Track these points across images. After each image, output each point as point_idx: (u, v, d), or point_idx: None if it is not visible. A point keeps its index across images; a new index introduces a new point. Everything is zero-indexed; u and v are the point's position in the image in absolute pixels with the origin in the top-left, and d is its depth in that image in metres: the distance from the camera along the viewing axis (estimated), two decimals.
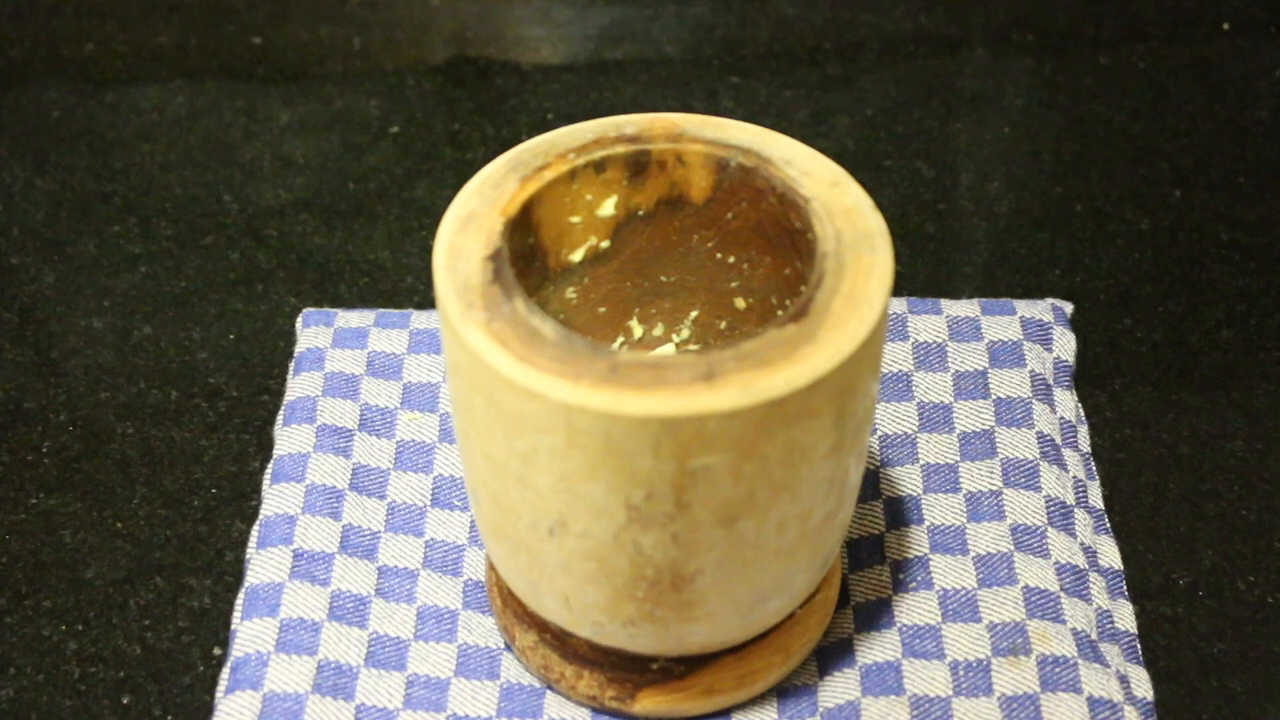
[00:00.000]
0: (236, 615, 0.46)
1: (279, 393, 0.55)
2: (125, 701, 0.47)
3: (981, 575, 0.47)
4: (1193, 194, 0.64)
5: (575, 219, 0.43)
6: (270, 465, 0.51)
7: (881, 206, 0.41)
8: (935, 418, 0.52)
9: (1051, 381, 0.53)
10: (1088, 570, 0.48)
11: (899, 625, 0.46)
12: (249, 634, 0.45)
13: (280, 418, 0.52)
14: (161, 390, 0.56)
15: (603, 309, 0.46)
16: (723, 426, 0.36)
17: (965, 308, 0.55)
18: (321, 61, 0.71)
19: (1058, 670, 0.44)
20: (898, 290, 0.58)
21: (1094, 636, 0.46)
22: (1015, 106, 0.69)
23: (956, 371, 0.53)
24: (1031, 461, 0.50)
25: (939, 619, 0.46)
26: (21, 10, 0.73)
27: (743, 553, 0.39)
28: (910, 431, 0.51)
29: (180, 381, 0.56)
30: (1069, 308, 0.56)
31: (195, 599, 0.49)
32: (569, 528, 0.39)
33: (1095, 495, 0.51)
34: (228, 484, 0.53)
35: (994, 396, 0.52)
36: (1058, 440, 0.51)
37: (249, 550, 0.49)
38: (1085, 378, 0.56)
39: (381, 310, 0.56)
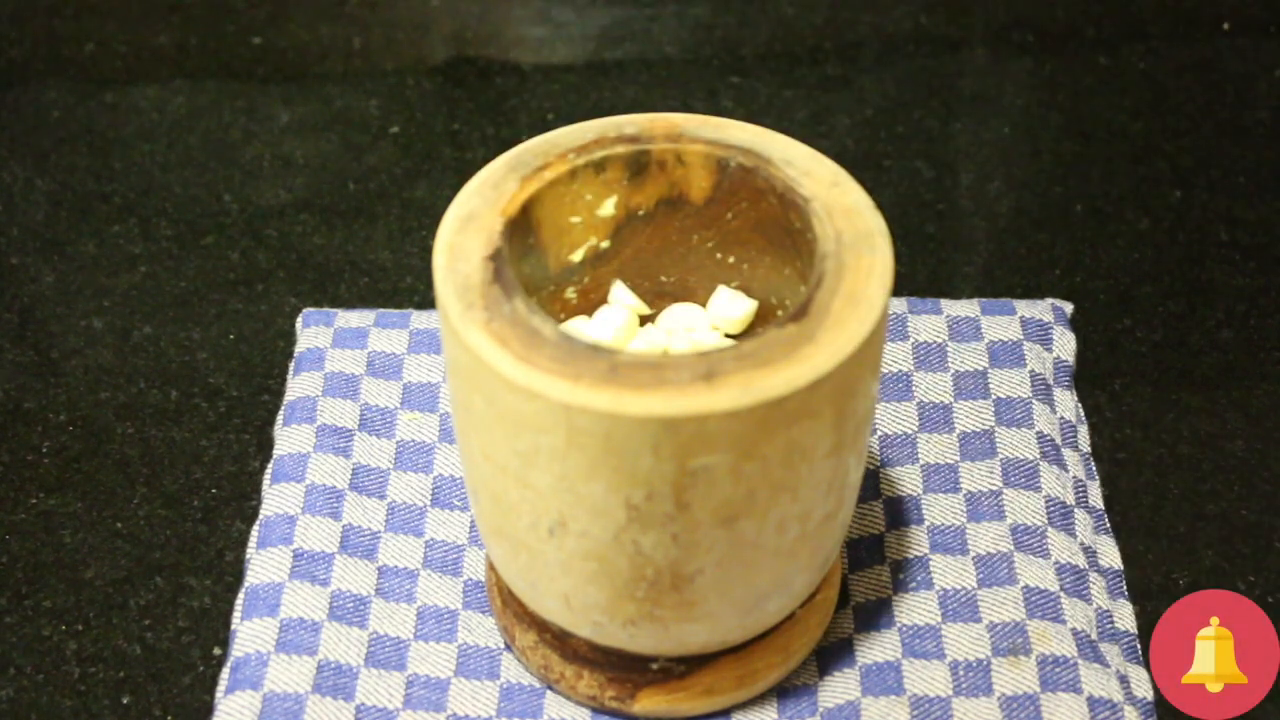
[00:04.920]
0: (236, 615, 0.46)
1: (279, 393, 0.55)
2: (125, 701, 0.47)
3: (981, 575, 0.47)
4: (1193, 194, 0.64)
5: (575, 219, 0.43)
6: (270, 465, 0.51)
7: (881, 206, 0.41)
8: (935, 418, 0.52)
9: (1051, 381, 0.53)
10: (1088, 570, 0.48)
11: (899, 625, 0.46)
12: (249, 634, 0.45)
13: (280, 418, 0.52)
14: (161, 390, 0.56)
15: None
16: (723, 426, 0.36)
17: (965, 308, 0.55)
18: (321, 61, 0.71)
19: (1058, 670, 0.44)
20: (898, 290, 0.58)
21: (1094, 636, 0.46)
22: (1015, 106, 0.69)
23: (956, 371, 0.53)
24: (1031, 461, 0.50)
25: (939, 619, 0.46)
26: (21, 10, 0.73)
27: (743, 553, 0.39)
28: (910, 431, 0.51)
29: (180, 381, 0.56)
30: (1069, 308, 0.56)
31: (195, 599, 0.49)
32: (569, 528, 0.39)
33: (1095, 495, 0.51)
34: (228, 484, 0.53)
35: (994, 396, 0.52)
36: (1058, 440, 0.51)
37: (249, 550, 0.49)
38: (1085, 378, 0.56)
39: (381, 310, 0.56)
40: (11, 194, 0.64)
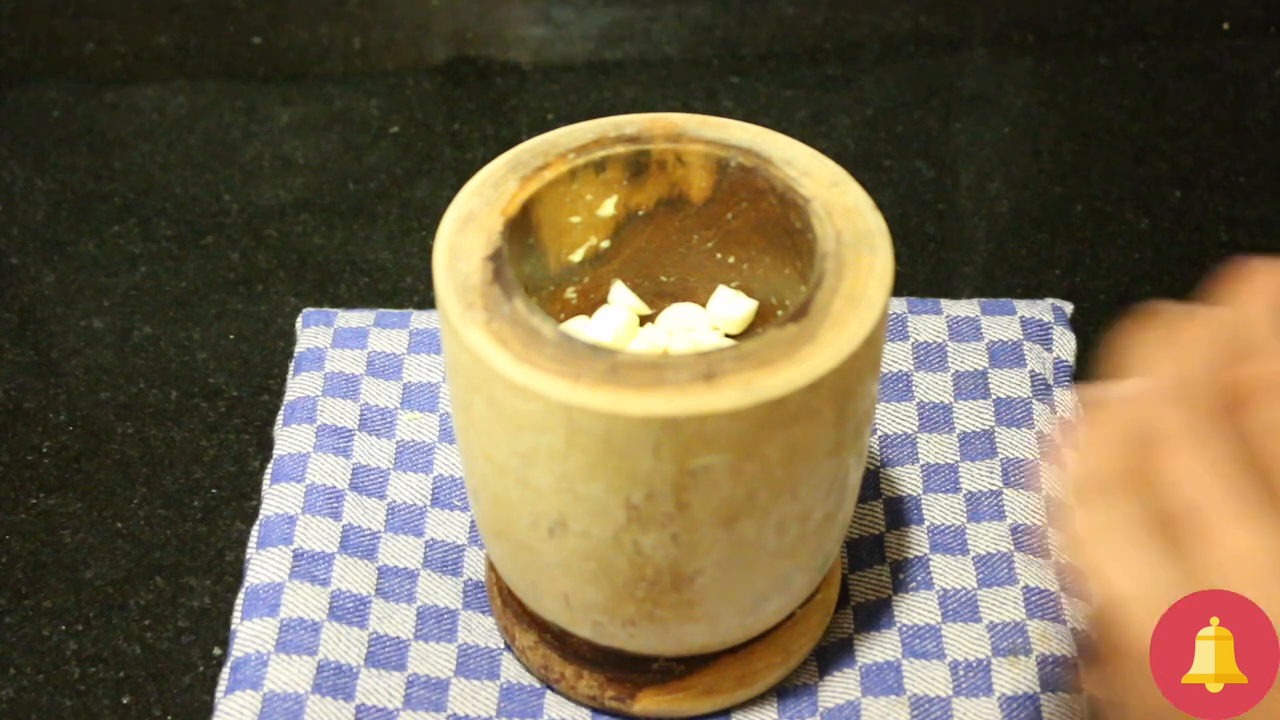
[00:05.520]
0: (236, 615, 0.46)
1: (279, 393, 0.55)
2: (125, 701, 0.47)
3: (981, 575, 0.47)
4: (1193, 194, 0.64)
5: (575, 219, 0.43)
6: (270, 465, 0.51)
7: (881, 206, 0.41)
8: (935, 418, 0.52)
9: (1051, 381, 0.53)
10: None
11: (899, 625, 0.46)
12: (249, 634, 0.45)
13: (280, 418, 0.52)
14: (161, 390, 0.56)
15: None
16: (723, 426, 0.35)
17: (965, 308, 0.55)
18: (321, 61, 0.71)
19: (1058, 670, 0.44)
20: (898, 290, 0.58)
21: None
22: (1015, 106, 0.69)
23: (956, 371, 0.53)
24: (1032, 461, 0.50)
25: (939, 619, 0.46)
26: (21, 10, 0.73)
27: (743, 553, 0.39)
28: (910, 431, 0.51)
29: (180, 381, 0.56)
30: (1069, 308, 0.56)
31: (195, 599, 0.49)
32: (569, 528, 0.39)
33: None
34: (228, 484, 0.53)
35: (994, 396, 0.52)
36: (1058, 440, 0.51)
37: (249, 550, 0.49)
38: (1085, 378, 0.56)
39: (381, 310, 0.56)
40: (11, 194, 0.64)
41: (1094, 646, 0.38)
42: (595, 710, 0.45)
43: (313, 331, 0.55)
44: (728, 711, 0.45)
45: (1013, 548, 0.48)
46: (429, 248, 0.61)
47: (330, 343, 0.54)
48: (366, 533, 0.49)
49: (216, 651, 0.48)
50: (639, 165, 0.43)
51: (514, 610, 0.45)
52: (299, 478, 0.50)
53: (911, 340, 0.54)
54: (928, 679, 0.45)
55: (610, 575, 0.39)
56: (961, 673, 0.45)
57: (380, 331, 0.55)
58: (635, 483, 0.37)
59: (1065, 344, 0.54)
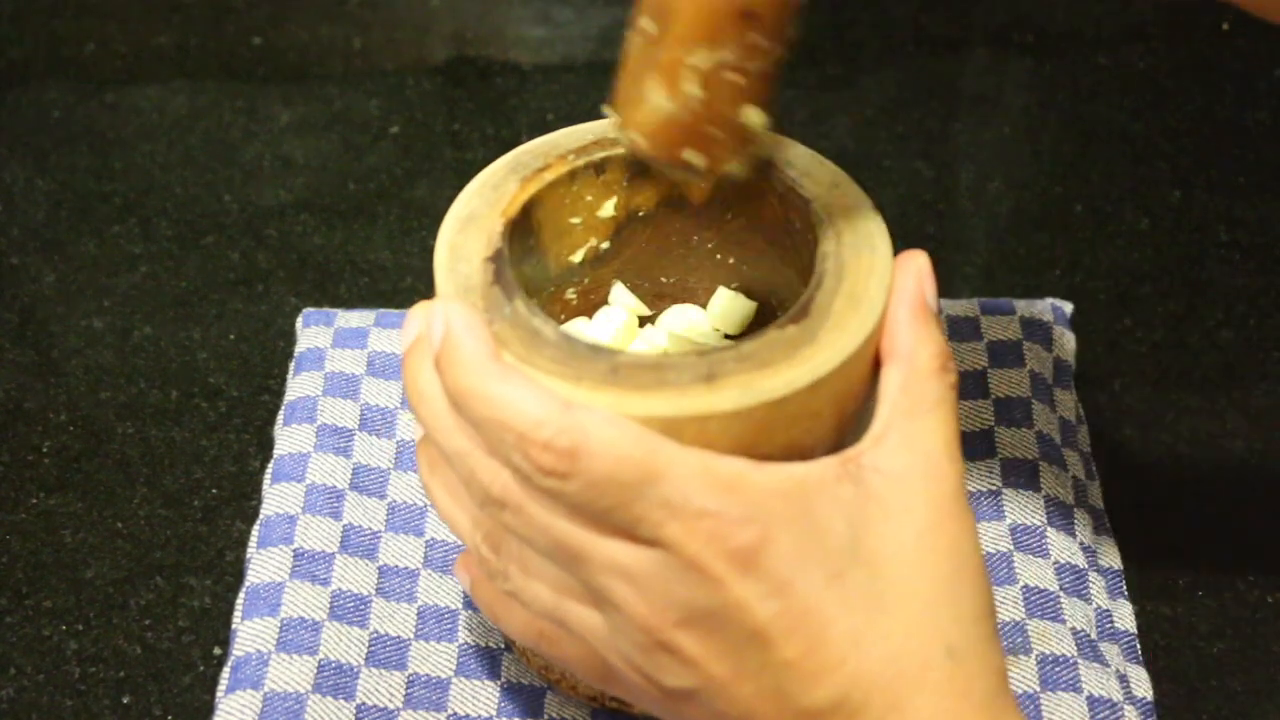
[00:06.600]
0: (237, 615, 0.46)
1: (279, 393, 0.55)
2: (125, 701, 0.47)
3: None
4: (1193, 194, 0.64)
5: (575, 220, 0.43)
6: (270, 465, 0.51)
7: (881, 206, 0.41)
8: None
9: (1051, 381, 0.53)
10: (1087, 570, 0.48)
11: None
12: (249, 633, 0.45)
13: (280, 418, 0.52)
14: (161, 390, 0.56)
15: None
16: (724, 427, 0.35)
17: (965, 308, 0.55)
18: (321, 61, 0.71)
19: (1057, 670, 0.44)
20: None
21: (1094, 636, 0.46)
22: (1015, 106, 0.69)
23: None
24: (1031, 461, 0.50)
25: None
26: (21, 10, 0.73)
27: None
28: None
29: (180, 381, 0.56)
30: (1069, 308, 0.56)
31: (195, 599, 0.49)
32: None
33: (1095, 495, 0.51)
34: (228, 484, 0.53)
35: (994, 396, 0.52)
36: (1058, 440, 0.51)
37: (249, 550, 0.49)
38: (1085, 378, 0.56)
39: (381, 310, 0.56)
40: (11, 194, 0.64)
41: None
42: (596, 710, 0.45)
43: (313, 331, 0.55)
44: None
45: (1012, 547, 0.48)
46: (429, 248, 0.60)
47: (330, 343, 0.54)
48: (367, 532, 0.49)
49: (217, 651, 0.48)
50: (639, 166, 0.43)
51: None
52: (299, 477, 0.50)
53: None
54: None
55: None
56: None
57: (380, 331, 0.55)
58: None
59: (1065, 344, 0.54)
